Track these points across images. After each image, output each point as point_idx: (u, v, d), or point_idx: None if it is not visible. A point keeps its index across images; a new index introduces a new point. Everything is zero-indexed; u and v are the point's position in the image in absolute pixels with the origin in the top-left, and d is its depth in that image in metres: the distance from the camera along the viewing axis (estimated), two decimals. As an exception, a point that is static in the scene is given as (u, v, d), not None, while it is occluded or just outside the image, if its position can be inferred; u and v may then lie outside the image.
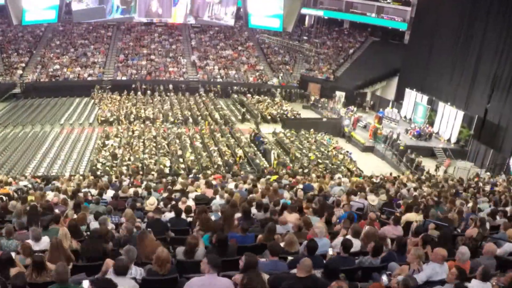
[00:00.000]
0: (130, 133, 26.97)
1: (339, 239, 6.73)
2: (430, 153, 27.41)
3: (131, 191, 12.00)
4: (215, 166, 21.37)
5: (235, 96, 38.17)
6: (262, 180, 14.28)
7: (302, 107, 37.70)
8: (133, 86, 37.48)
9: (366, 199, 10.67)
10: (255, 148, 25.48)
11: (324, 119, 32.45)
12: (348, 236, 6.91)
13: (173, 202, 9.94)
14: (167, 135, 26.93)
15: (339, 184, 14.03)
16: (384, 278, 5.46)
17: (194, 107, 34.06)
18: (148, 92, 36.94)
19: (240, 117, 32.99)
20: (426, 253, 6.17)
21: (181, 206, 9.59)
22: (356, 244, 6.72)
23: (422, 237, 6.80)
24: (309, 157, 23.82)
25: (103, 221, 7.71)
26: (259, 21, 43.75)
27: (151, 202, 9.82)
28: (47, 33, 43.02)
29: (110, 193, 11.40)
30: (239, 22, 46.61)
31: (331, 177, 16.46)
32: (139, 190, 12.25)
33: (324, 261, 5.99)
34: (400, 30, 42.95)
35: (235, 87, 39.81)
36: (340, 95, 38.15)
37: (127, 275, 5.12)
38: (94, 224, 8.12)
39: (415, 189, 14.10)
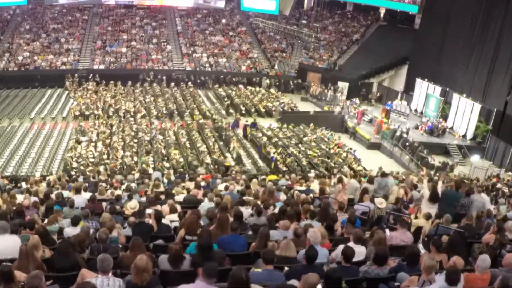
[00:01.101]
0: (108, 129, 26.86)
1: (340, 247, 6.66)
2: (444, 150, 27.44)
3: (109, 193, 11.94)
4: (204, 165, 21.37)
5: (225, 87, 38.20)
6: (255, 180, 14.27)
7: (300, 99, 37.71)
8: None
9: (371, 201, 10.66)
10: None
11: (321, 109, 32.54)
12: (350, 243, 6.80)
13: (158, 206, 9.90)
14: (150, 131, 26.84)
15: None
16: None
17: (180, 99, 33.97)
18: (129, 82, 36.76)
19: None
20: (440, 262, 6.12)
21: (167, 209, 9.56)
22: (360, 252, 6.67)
23: (432, 242, 6.77)
24: (308, 155, 23.81)
25: (85, 229, 7.65)
26: (252, 3, 43.79)
27: (132, 206, 9.75)
28: (16, 17, 42.68)
29: (86, 195, 11.34)
30: (230, 5, 46.52)
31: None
32: (119, 192, 12.19)
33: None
34: (410, 13, 42.94)
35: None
36: (343, 86, 38.13)
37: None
38: (68, 230, 8.07)
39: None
